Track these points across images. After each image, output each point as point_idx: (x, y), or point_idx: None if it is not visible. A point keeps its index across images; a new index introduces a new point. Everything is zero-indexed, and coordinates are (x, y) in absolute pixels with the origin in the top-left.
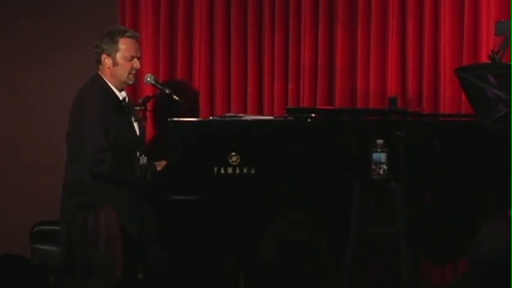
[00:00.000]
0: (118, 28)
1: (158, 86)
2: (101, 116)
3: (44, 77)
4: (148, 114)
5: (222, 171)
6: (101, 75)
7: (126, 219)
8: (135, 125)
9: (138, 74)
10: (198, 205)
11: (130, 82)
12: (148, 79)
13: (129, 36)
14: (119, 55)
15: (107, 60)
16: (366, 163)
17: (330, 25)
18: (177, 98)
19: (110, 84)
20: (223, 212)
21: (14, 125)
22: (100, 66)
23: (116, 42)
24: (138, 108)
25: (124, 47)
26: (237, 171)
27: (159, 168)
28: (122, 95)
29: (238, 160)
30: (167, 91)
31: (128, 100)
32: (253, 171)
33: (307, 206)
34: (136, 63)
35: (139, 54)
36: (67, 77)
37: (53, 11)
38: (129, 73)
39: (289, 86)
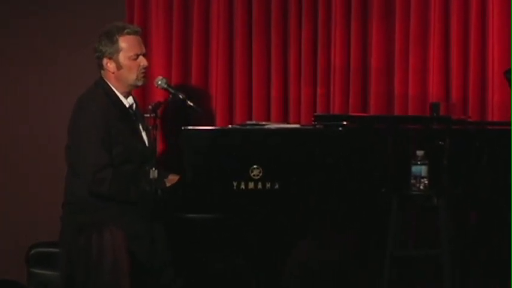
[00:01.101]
0: (115, 26)
1: (170, 90)
2: (101, 128)
3: (43, 80)
4: (159, 122)
5: (243, 186)
6: (105, 79)
7: (134, 240)
8: (144, 134)
9: (148, 73)
10: (215, 225)
11: (140, 83)
12: (160, 83)
13: (129, 33)
14: (121, 56)
15: (109, 64)
16: (404, 177)
17: (364, 21)
18: (191, 104)
19: (114, 89)
20: (243, 233)
21: (7, 135)
22: (102, 71)
23: (115, 42)
24: (147, 115)
25: (125, 45)
26: (259, 186)
27: (171, 183)
28: (128, 101)
29: (261, 174)
30: (180, 96)
31: (136, 107)
32: (277, 186)
33: (338, 225)
34: (143, 61)
35: (144, 51)
36: (69, 81)
37: (54, 9)
38: (138, 73)
39: (318, 90)
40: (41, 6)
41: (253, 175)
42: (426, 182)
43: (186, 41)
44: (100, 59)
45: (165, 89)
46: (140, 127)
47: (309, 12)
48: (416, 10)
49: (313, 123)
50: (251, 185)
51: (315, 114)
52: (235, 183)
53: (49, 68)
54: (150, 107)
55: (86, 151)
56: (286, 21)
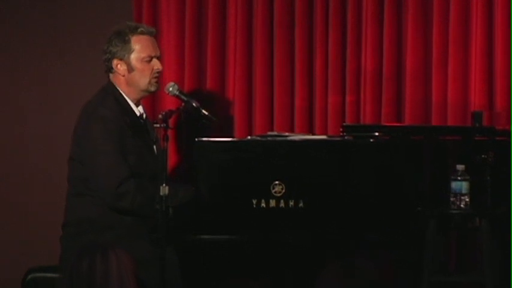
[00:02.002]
0: (128, 25)
1: (182, 97)
2: (117, 136)
3: (42, 90)
4: (170, 133)
5: (263, 204)
6: (115, 84)
7: (143, 265)
8: (154, 147)
9: (160, 79)
10: (233, 247)
11: (153, 89)
12: (171, 89)
13: (142, 33)
14: (133, 57)
15: (119, 67)
16: (443, 194)
17: (398, 21)
18: (206, 113)
19: (125, 96)
20: (264, 256)
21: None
22: (111, 75)
23: (127, 42)
24: (157, 125)
25: (138, 46)
26: (282, 204)
27: (183, 201)
28: (139, 110)
29: (283, 190)
30: (194, 104)
31: (146, 117)
32: (301, 204)
33: (370, 248)
34: (157, 65)
35: (158, 54)
36: (71, 88)
37: (58, 8)
38: (150, 78)
39: (347, 98)
40: (45, 5)
41: (275, 192)
42: (467, 199)
43: (200, 43)
44: (109, 60)
45: (177, 96)
46: (150, 138)
47: (336, 10)
48: (457, 9)
49: (341, 134)
50: (272, 203)
51: (344, 124)
52: (254, 201)
53: (52, 71)
54: (160, 116)
55: (104, 163)
56: (312, 21)
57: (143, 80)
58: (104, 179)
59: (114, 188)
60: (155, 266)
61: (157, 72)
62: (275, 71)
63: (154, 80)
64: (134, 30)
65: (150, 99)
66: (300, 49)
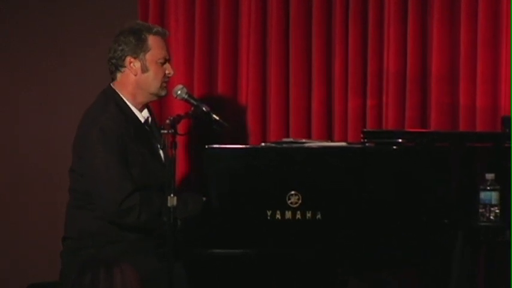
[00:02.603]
0: (142, 23)
1: (192, 101)
2: (121, 146)
3: (42, 90)
4: (178, 140)
5: (278, 216)
6: (116, 89)
7: (150, 282)
8: (162, 154)
9: (169, 84)
10: (245, 262)
11: (164, 93)
12: (179, 92)
13: (158, 33)
14: (149, 57)
15: (133, 65)
16: (471, 205)
17: (423, 20)
18: (217, 118)
19: (127, 101)
20: (278, 272)
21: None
22: (118, 75)
23: (144, 40)
24: (164, 131)
25: (155, 46)
26: (298, 216)
27: (193, 213)
28: (143, 115)
29: (300, 201)
30: (204, 109)
31: (152, 121)
32: (319, 216)
33: (392, 264)
34: (169, 69)
35: (170, 57)
36: (71, 88)
37: (56, 8)
38: (162, 81)
39: (368, 102)
40: (45, 5)
41: (291, 203)
42: (497, 211)
43: (210, 42)
44: (120, 59)
45: (186, 100)
46: (157, 146)
47: (357, 7)
48: (486, 6)
49: (362, 140)
50: (288, 214)
51: (364, 130)
52: (269, 213)
53: (52, 71)
54: (167, 121)
55: (106, 177)
56: (330, 18)
57: (155, 83)
58: (107, 195)
59: (117, 205)
60: (162, 283)
61: (168, 78)
62: (291, 72)
63: (165, 84)
64: (150, 30)
65: (157, 103)
66: (318, 48)
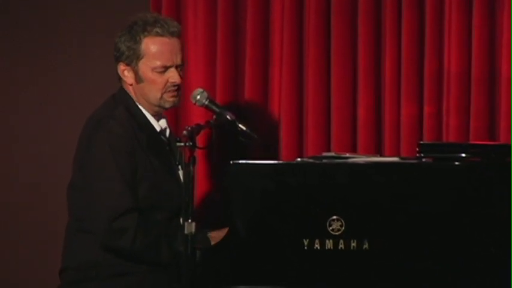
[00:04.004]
0: (143, 19)
1: (214, 108)
2: (126, 158)
3: (42, 90)
4: (198, 154)
5: (317, 245)
6: (128, 91)
7: None
8: (180, 172)
9: (181, 92)
10: None
11: (168, 105)
12: (198, 97)
13: (158, 34)
14: (142, 65)
15: (126, 73)
16: None
17: (490, 11)
18: (244, 128)
19: (141, 107)
20: None
21: None
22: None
23: (137, 43)
24: (181, 144)
25: (150, 52)
26: (341, 245)
27: (215, 242)
28: (160, 124)
29: (343, 228)
30: (228, 117)
31: (170, 133)
32: (366, 246)
33: None
34: (173, 77)
35: (178, 61)
36: (71, 88)
37: (56, 6)
38: (163, 92)
39: (425, 109)
40: (45, 4)
41: (332, 230)
42: None
43: (235, 40)
44: (116, 63)
45: (206, 107)
46: (176, 163)
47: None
48: None
49: (417, 155)
50: (329, 244)
51: (421, 142)
52: (305, 242)
53: (52, 71)
54: (185, 132)
55: (103, 190)
56: (379, 10)
57: (153, 94)
58: (98, 209)
59: (108, 222)
60: None
61: (174, 86)
62: (332, 75)
63: (170, 94)
64: (148, 30)
65: (172, 110)
66: (364, 48)
